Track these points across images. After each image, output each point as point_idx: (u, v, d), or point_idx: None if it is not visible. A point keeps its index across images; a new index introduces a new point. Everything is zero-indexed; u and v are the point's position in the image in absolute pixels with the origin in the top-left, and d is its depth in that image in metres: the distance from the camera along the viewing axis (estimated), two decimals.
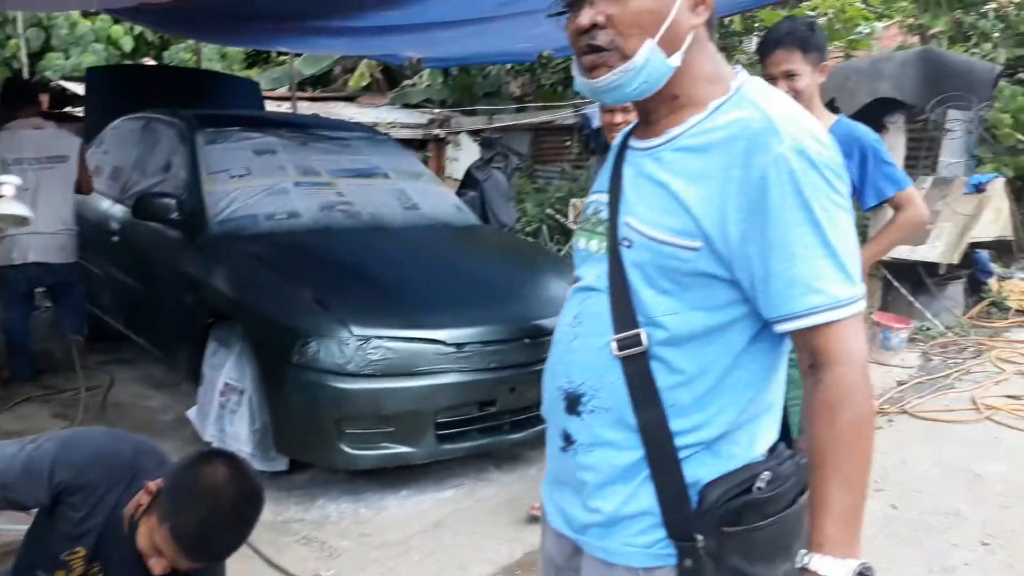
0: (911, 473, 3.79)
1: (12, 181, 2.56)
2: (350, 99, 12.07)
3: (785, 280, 1.14)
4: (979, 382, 5.17)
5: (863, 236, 3.12)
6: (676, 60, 1.20)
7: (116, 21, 11.01)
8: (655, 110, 1.26)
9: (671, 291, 1.21)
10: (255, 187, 4.32)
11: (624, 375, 1.24)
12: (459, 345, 3.34)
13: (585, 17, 1.19)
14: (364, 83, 12.48)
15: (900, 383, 5.18)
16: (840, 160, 1.19)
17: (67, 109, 9.05)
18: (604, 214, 1.30)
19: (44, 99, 8.46)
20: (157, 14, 5.59)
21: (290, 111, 9.39)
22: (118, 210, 4.85)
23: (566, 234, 8.50)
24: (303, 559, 2.94)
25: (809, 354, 1.17)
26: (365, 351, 3.20)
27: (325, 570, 2.87)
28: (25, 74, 9.86)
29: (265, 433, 3.43)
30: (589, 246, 1.34)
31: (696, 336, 1.21)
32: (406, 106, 11.79)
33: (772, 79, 2.69)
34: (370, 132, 5.63)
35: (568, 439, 1.32)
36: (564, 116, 10.11)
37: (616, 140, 1.37)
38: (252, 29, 5.99)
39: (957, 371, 5.41)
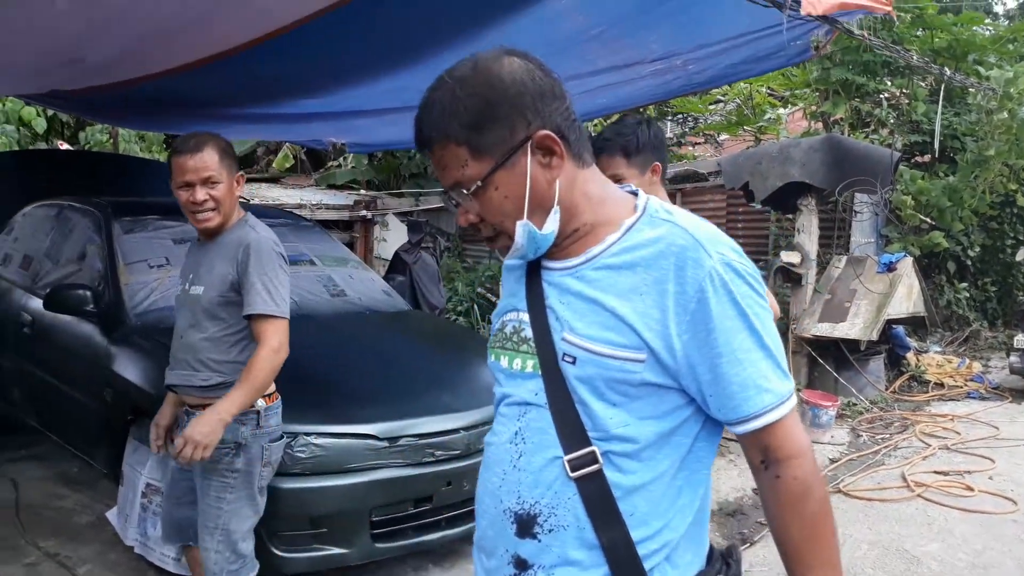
0: (850, 556, 3.83)
1: None
2: (274, 180, 11.99)
3: (737, 384, 1.19)
4: (907, 457, 5.32)
5: None
6: (552, 223, 1.26)
7: (28, 103, 10.73)
8: (564, 241, 1.30)
9: (620, 403, 1.22)
10: (175, 277, 4.19)
11: (580, 495, 1.22)
12: (392, 439, 3.26)
13: (462, 219, 1.29)
14: (288, 164, 12.43)
15: (832, 460, 5.29)
16: (755, 269, 1.26)
17: None
18: (527, 332, 1.31)
19: None
20: (70, 99, 5.49)
21: None
22: (29, 301, 4.64)
23: None
24: None
25: (761, 451, 1.22)
26: (293, 448, 3.09)
27: None
28: None
29: None
30: (513, 365, 1.33)
31: (649, 444, 1.23)
32: (331, 187, 11.76)
33: None
34: (294, 218, 5.58)
35: (522, 564, 1.27)
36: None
37: (512, 259, 1.34)
38: (169, 115, 5.92)
39: (886, 447, 5.57)
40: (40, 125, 10.89)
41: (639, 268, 1.22)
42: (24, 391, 4.68)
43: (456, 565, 3.61)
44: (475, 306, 9.19)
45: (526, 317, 1.31)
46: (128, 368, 3.71)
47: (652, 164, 2.56)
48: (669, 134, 12.59)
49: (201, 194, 2.55)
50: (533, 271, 1.33)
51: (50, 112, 10.98)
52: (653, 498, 1.23)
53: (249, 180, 11.80)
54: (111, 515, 3.76)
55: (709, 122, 12.63)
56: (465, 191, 1.24)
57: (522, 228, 1.24)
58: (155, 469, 3.42)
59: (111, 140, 10.44)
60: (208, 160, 2.55)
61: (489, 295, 9.17)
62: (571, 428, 1.23)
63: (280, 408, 2.72)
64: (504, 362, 1.35)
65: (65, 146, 10.73)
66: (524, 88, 1.22)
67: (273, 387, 2.67)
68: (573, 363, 1.23)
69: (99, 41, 3.79)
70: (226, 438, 2.47)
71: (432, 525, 3.39)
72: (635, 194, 1.35)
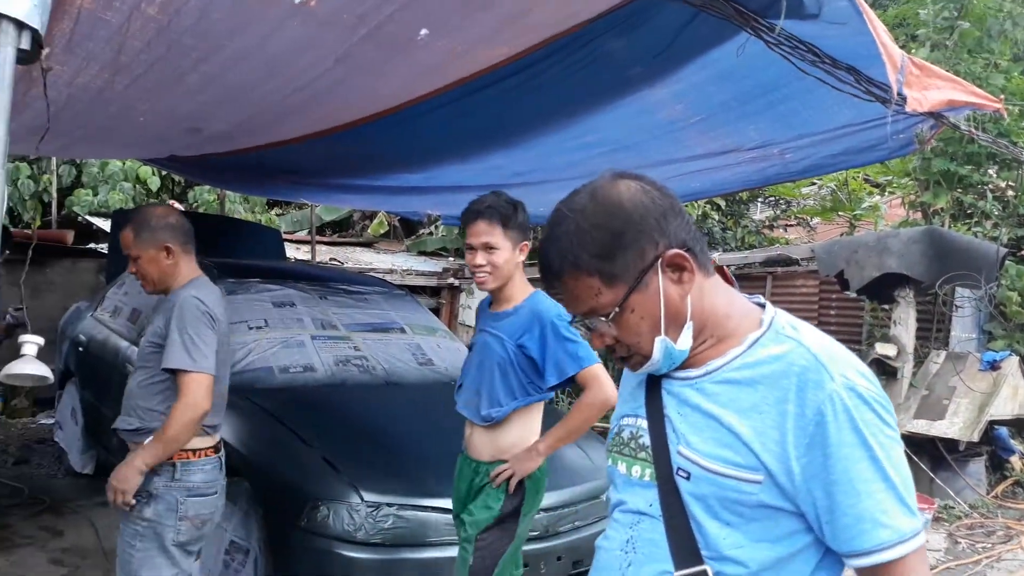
0: None
1: (35, 341, 2.60)
2: (368, 244, 12.36)
3: (853, 516, 1.14)
4: (1012, 571, 4.98)
5: None
6: (686, 339, 1.25)
7: (145, 162, 11.45)
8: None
9: (735, 523, 1.19)
10: (272, 339, 4.35)
11: None
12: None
13: (597, 342, 1.31)
14: (382, 231, 12.82)
15: (931, 568, 4.99)
16: (884, 395, 1.20)
17: (91, 245, 9.25)
18: (645, 440, 1.30)
19: (66, 236, 8.70)
20: (185, 163, 5.84)
21: (309, 255, 9.59)
22: (134, 352, 4.85)
23: None
24: None
25: None
26: (375, 518, 3.11)
27: None
28: (54, 208, 10.20)
29: None
30: (631, 472, 1.32)
31: (764, 569, 1.19)
32: (422, 253, 12.05)
33: (472, 249, 2.71)
34: (387, 287, 5.72)
35: None
36: None
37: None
38: (275, 182, 6.23)
39: (988, 557, 5.22)
40: (154, 183, 11.57)
41: (760, 386, 1.20)
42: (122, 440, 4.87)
43: None
44: None
45: (644, 424, 1.31)
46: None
47: (523, 242, 2.70)
48: (761, 216, 12.46)
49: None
50: (653, 378, 1.33)
51: (163, 172, 11.65)
52: None
53: (343, 244, 12.22)
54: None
55: (802, 206, 12.45)
56: (604, 318, 1.25)
57: (660, 344, 1.25)
58: (240, 527, 3.49)
59: (218, 200, 10.98)
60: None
61: None
62: (684, 544, 1.20)
63: (214, 465, 2.74)
64: (622, 468, 1.34)
65: (176, 205, 11.33)
66: (646, 210, 1.23)
67: (211, 442, 2.72)
68: (687, 478, 1.22)
69: (217, 115, 4.04)
70: (140, 487, 2.54)
71: None
72: (762, 306, 1.33)
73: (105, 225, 9.63)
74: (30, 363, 2.50)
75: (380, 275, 8.59)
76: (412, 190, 5.78)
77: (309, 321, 4.59)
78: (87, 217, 10.22)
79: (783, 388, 1.18)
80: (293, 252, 9.47)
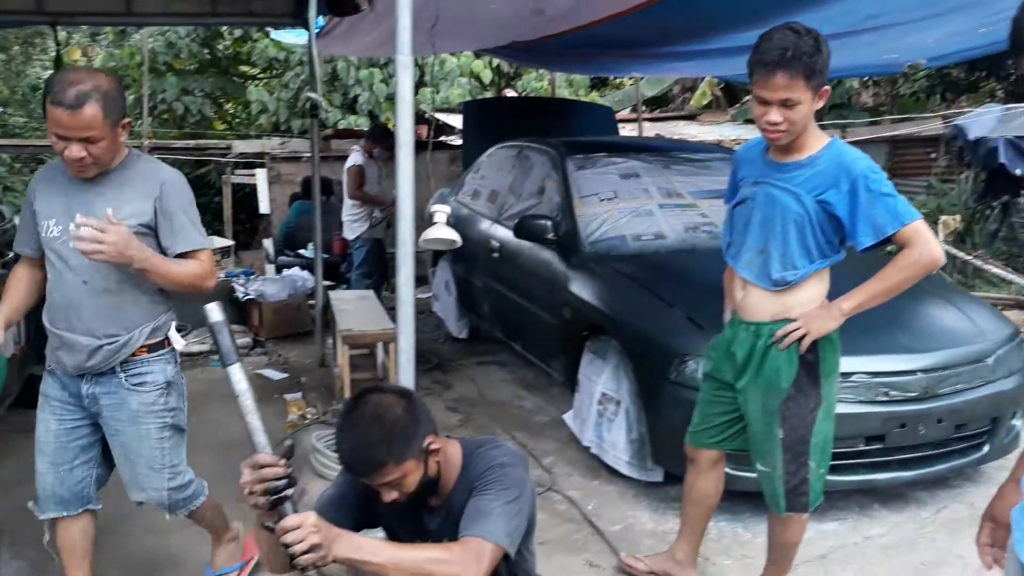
0: None
1: (444, 210, 2.95)
2: (691, 118, 12.15)
3: None
4: None
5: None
6: None
7: (477, 56, 12.17)
8: None
9: None
10: (622, 210, 4.53)
11: None
12: (845, 374, 3.20)
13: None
14: (705, 102, 12.49)
15: None
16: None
17: (441, 138, 10.14)
18: None
19: (421, 131, 9.62)
20: (519, 49, 6.10)
21: (634, 132, 9.69)
22: (495, 229, 5.35)
23: None
24: None
25: None
26: None
27: None
28: None
29: (642, 444, 3.57)
30: None
31: None
32: (748, 121, 11.58)
33: (766, 104, 2.29)
34: (729, 152, 5.62)
35: None
36: (928, 127, 9.27)
37: None
38: (604, 58, 6.28)
39: None
40: (487, 76, 12.29)
41: None
42: (492, 306, 5.46)
43: (907, 510, 3.47)
44: None
45: None
46: (584, 290, 4.13)
47: (823, 88, 2.31)
48: None
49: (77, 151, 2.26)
50: None
51: (494, 63, 12.32)
52: None
53: (666, 119, 12.13)
54: (567, 418, 4.24)
55: None
56: None
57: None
58: (610, 380, 3.79)
59: (545, 85, 11.41)
60: (89, 119, 2.21)
61: None
62: None
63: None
64: None
65: (511, 93, 11.96)
66: None
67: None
68: None
69: None
70: (158, 380, 2.49)
71: (882, 465, 3.31)
72: None
73: (449, 119, 10.51)
74: (441, 229, 2.86)
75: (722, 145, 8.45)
76: (748, 49, 5.53)
77: (655, 191, 4.69)
78: (433, 114, 11.20)
79: None
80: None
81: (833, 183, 2.38)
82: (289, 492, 1.65)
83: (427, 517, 1.99)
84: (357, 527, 1.96)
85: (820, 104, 2.36)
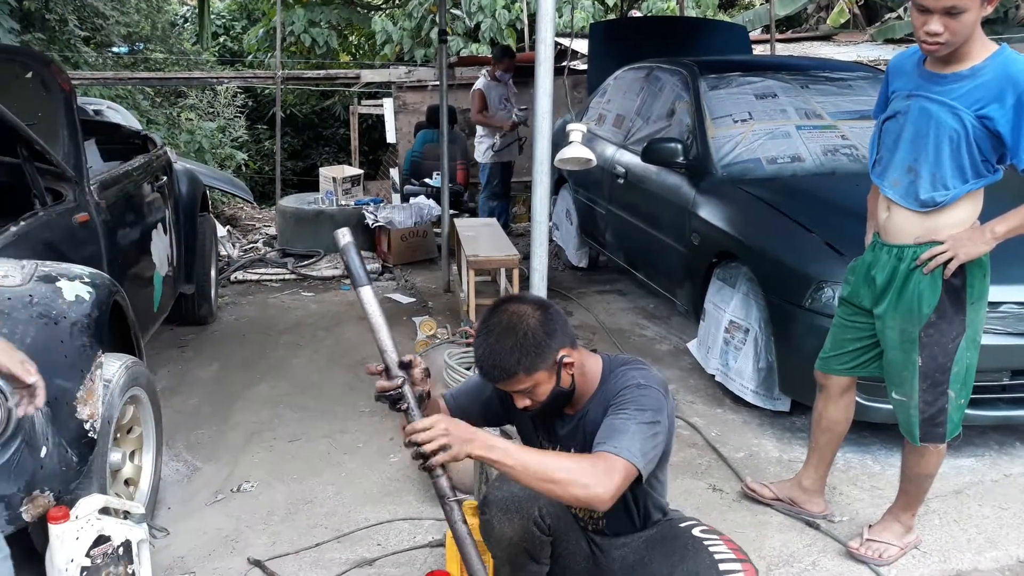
0: None
1: (580, 128, 2.91)
2: (826, 38, 11.45)
3: None
4: None
5: None
6: None
7: None
8: None
9: None
10: (757, 131, 4.36)
11: None
12: (993, 303, 3.02)
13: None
14: (842, 20, 11.73)
15: None
16: None
17: (564, 63, 9.97)
18: None
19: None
20: None
21: (766, 52, 9.22)
22: (621, 155, 5.26)
23: None
24: None
25: None
26: None
27: (840, 515, 2.87)
28: (526, 34, 11.14)
29: (769, 373, 3.51)
30: None
31: None
32: (888, 41, 10.82)
33: (926, 12, 2.08)
34: (872, 72, 5.29)
35: None
36: None
37: None
38: None
39: None
40: None
41: None
42: (615, 234, 5.41)
43: None
44: None
45: None
46: (715, 215, 4.03)
47: None
48: None
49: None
50: None
51: None
52: None
53: (800, 39, 11.48)
54: (692, 346, 4.21)
55: None
56: None
57: None
58: (738, 308, 3.71)
59: (671, 5, 10.99)
60: None
61: None
62: None
63: None
64: None
65: (636, 13, 11.62)
66: None
67: None
68: None
69: None
70: None
71: None
72: None
73: (574, 44, 10.28)
74: (577, 148, 2.83)
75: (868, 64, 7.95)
76: None
77: (793, 111, 4.48)
78: (555, 39, 11.01)
79: None
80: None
81: (997, 96, 2.19)
82: (403, 404, 1.73)
83: (559, 423, 2.03)
84: (488, 417, 2.06)
85: (989, 10, 2.15)
